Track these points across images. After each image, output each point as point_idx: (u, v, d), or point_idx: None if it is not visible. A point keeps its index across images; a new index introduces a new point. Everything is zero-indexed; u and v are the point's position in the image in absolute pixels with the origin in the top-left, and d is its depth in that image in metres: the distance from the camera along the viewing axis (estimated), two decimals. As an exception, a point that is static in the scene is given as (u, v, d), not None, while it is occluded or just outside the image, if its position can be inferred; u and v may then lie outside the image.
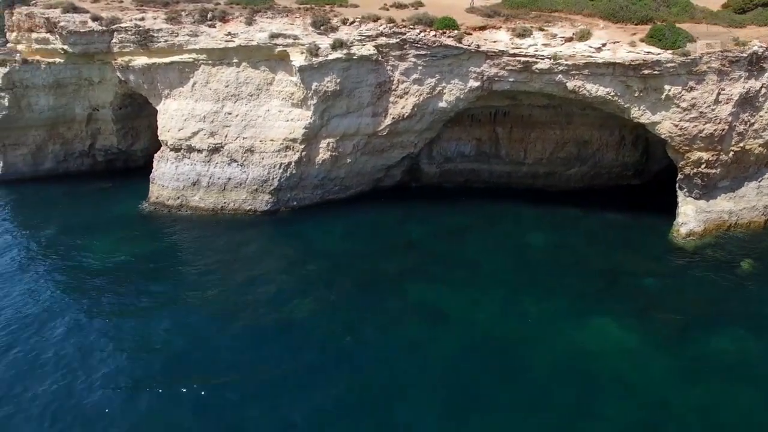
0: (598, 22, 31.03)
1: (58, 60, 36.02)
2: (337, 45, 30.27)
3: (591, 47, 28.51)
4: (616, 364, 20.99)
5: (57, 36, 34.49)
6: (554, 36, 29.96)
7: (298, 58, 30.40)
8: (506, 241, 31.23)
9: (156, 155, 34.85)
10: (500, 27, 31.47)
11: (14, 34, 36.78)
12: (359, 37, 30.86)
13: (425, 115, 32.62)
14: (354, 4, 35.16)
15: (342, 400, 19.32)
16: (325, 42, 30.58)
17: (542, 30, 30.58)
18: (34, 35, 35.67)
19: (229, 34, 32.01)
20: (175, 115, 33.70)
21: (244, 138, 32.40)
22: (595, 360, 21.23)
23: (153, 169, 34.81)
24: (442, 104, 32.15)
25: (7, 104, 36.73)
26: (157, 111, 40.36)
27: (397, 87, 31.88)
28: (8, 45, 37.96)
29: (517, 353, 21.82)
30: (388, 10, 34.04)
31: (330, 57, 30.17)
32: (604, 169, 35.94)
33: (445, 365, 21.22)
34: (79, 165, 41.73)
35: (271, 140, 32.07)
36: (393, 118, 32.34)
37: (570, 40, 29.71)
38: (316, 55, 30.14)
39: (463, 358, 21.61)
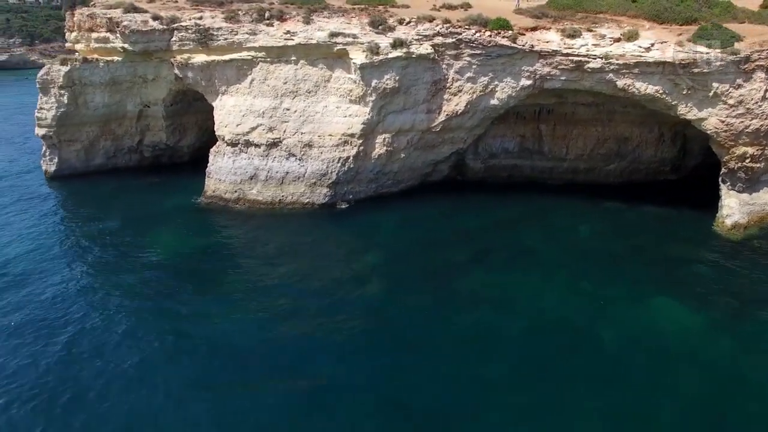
0: (643, 23, 32.52)
1: (116, 58, 37.08)
2: (398, 44, 31.58)
3: (640, 47, 30.02)
4: (684, 341, 22.52)
5: (118, 35, 35.55)
6: (603, 36, 31.46)
7: (358, 56, 31.68)
8: (557, 231, 32.74)
9: (212, 150, 35.96)
10: (550, 28, 32.94)
11: (74, 34, 37.81)
12: (417, 37, 32.20)
13: (477, 112, 34.00)
14: (405, 5, 36.53)
15: (432, 380, 20.59)
16: (384, 41, 31.87)
17: (590, 31, 32.08)
18: (94, 35, 36.73)
19: (288, 32, 33.24)
20: (232, 110, 34.87)
21: (302, 133, 33.62)
22: (662, 338, 22.75)
23: (209, 164, 35.92)
24: (494, 102, 33.55)
25: (66, 101, 37.72)
26: (205, 108, 41.75)
27: (452, 85, 33.26)
28: (67, 44, 38.90)
29: (588, 332, 23.31)
30: (439, 10, 35.40)
31: (390, 55, 31.47)
32: (643, 165, 37.48)
33: (520, 344, 22.67)
34: (127, 161, 42.79)
35: (330, 135, 33.31)
36: (447, 114, 33.69)
37: (618, 40, 31.21)
38: (377, 54, 31.43)
39: (536, 337, 23.07)
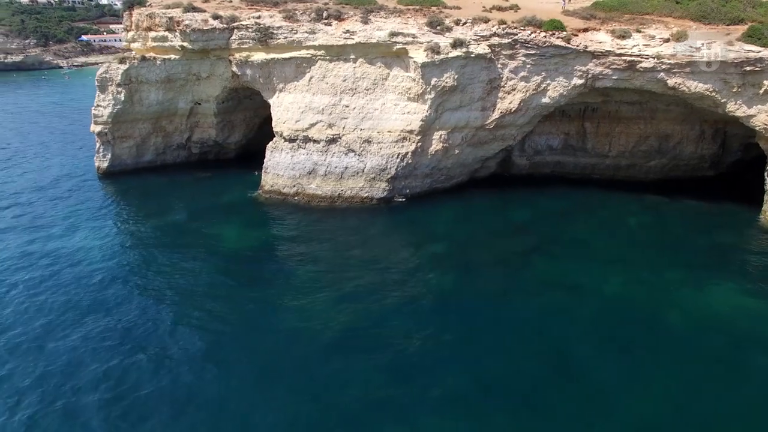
0: (689, 24, 33.85)
1: (173, 56, 38.00)
2: (457, 44, 32.75)
3: (691, 47, 31.31)
4: (749, 322, 23.81)
5: (177, 34, 36.50)
6: (652, 37, 32.74)
7: (419, 55, 32.80)
8: (606, 222, 34.08)
9: (268, 145, 36.93)
10: (599, 29, 34.20)
11: (131, 33, 38.71)
12: (475, 37, 33.38)
13: (529, 110, 35.20)
14: (456, 6, 37.70)
15: (523, 357, 21.77)
16: (443, 41, 33.02)
17: (639, 32, 33.34)
18: (152, 34, 37.65)
19: (348, 31, 34.31)
20: (290, 107, 35.88)
21: (361, 129, 34.68)
22: (727, 320, 24.09)
23: (265, 159, 36.91)
24: (545, 100, 34.77)
25: (123, 99, 38.61)
26: (253, 105, 42.99)
27: (506, 83, 34.46)
28: (123, 43, 39.72)
29: (656, 314, 24.64)
30: (490, 11, 36.58)
31: (450, 55, 32.63)
32: (683, 162, 38.82)
33: (596, 324, 24.04)
34: (175, 157, 43.69)
35: (389, 131, 34.39)
36: (501, 112, 34.88)
37: (667, 41, 32.49)
38: (438, 53, 32.57)
39: (610, 318, 24.41)
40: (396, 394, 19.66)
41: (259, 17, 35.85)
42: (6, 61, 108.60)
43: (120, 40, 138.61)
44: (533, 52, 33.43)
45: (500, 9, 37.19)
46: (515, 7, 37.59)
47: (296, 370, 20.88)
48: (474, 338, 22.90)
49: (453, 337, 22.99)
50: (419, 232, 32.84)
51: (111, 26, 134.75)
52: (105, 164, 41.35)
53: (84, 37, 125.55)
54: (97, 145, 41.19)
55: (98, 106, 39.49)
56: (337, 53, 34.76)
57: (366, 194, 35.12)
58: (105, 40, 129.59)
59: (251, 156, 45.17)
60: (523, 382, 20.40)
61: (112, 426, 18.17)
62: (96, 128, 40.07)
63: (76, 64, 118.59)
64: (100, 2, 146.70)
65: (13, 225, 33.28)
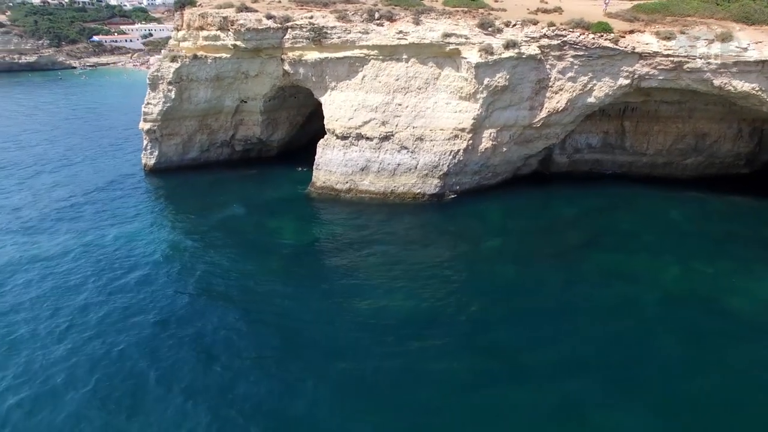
0: (732, 25, 34.98)
1: (223, 55, 38.74)
2: (510, 45, 33.77)
3: (738, 47, 32.48)
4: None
5: (230, 33, 37.28)
6: (697, 38, 33.86)
7: (473, 56, 33.78)
8: (650, 216, 35.19)
9: (320, 143, 37.74)
10: (644, 30, 35.32)
11: (181, 32, 39.43)
12: (525, 39, 34.41)
13: (575, 109, 36.24)
14: (501, 8, 38.76)
15: (598, 341, 22.76)
16: (496, 42, 34.03)
17: (683, 33, 34.47)
18: (203, 33, 38.39)
19: (401, 32, 35.25)
20: (343, 105, 36.75)
21: (414, 127, 35.58)
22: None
23: (316, 156, 37.73)
24: (591, 100, 35.82)
25: (173, 96, 39.35)
26: (297, 104, 43.92)
27: (554, 83, 35.49)
28: (171, 42, 40.40)
29: (717, 300, 25.91)
30: (536, 13, 37.67)
31: (503, 55, 33.63)
32: (719, 159, 40.00)
33: (661, 310, 25.21)
34: (219, 154, 44.41)
35: (441, 129, 35.32)
36: (548, 111, 35.89)
37: (712, 41, 33.64)
38: (491, 54, 33.56)
39: (673, 305, 25.58)
40: (490, 372, 20.76)
41: (311, 17, 36.73)
42: (20, 61, 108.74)
43: (130, 41, 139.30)
44: (581, 53, 34.50)
45: (545, 11, 38.28)
46: (559, 10, 38.70)
47: (381, 360, 21.65)
48: (549, 324, 23.91)
49: (530, 323, 24.02)
50: (474, 227, 33.77)
51: (121, 27, 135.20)
52: (152, 161, 42.02)
53: (95, 38, 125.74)
54: (145, 142, 41.87)
55: (148, 103, 40.21)
56: (389, 53, 35.69)
57: (418, 190, 36.02)
58: (116, 41, 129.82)
59: (292, 154, 46.25)
60: (606, 363, 21.46)
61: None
62: (145, 125, 40.76)
63: (88, 64, 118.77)
64: (110, 3, 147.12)
65: (80, 221, 33.99)
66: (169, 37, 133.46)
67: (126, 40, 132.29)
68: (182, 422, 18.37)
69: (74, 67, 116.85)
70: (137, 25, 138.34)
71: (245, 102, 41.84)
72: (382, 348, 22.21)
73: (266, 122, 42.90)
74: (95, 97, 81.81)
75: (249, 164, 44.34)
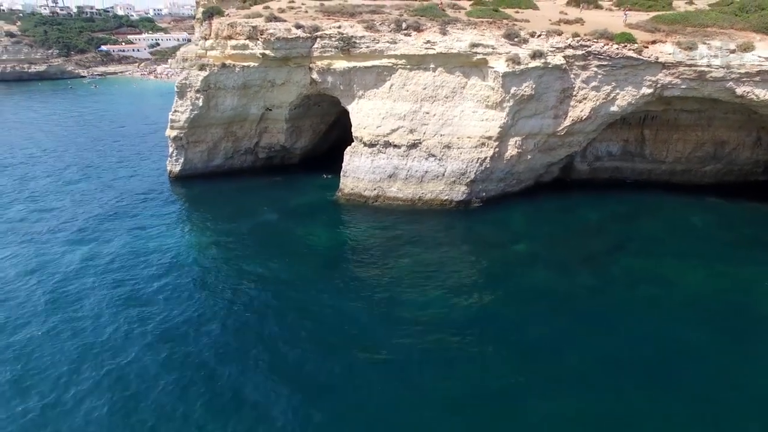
0: (753, 36, 35.82)
1: (251, 64, 39.34)
2: (537, 55, 34.49)
3: (760, 57, 33.31)
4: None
5: (259, 42, 37.93)
6: (719, 48, 34.69)
7: (500, 65, 34.48)
8: (672, 222, 35.87)
9: (347, 150, 38.30)
10: (665, 41, 36.13)
11: (209, 41, 40.05)
12: (551, 49, 35.17)
13: (597, 117, 36.95)
14: (525, 19, 39.57)
15: (629, 342, 23.22)
16: (522, 52, 34.74)
17: (704, 43, 35.29)
18: (231, 42, 39.02)
19: (428, 42, 35.96)
20: (370, 113, 37.36)
21: (441, 135, 36.18)
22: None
23: (344, 163, 38.26)
24: (614, 108, 36.54)
25: (200, 104, 39.91)
26: (321, 112, 44.55)
27: (578, 93, 36.21)
28: (198, 51, 41.00)
29: (746, 302, 26.35)
30: (558, 24, 38.44)
31: (530, 65, 34.34)
32: (737, 167, 40.75)
33: (694, 311, 25.75)
34: (242, 162, 44.92)
35: (468, 137, 35.93)
36: (572, 120, 36.59)
37: (734, 51, 34.49)
38: (518, 63, 34.26)
39: (699, 305, 26.24)
40: (532, 371, 21.20)
41: (340, 27, 37.44)
42: (30, 70, 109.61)
43: (138, 50, 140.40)
44: (605, 63, 35.25)
45: (567, 22, 39.09)
46: (580, 21, 39.52)
47: (423, 361, 22.07)
48: (584, 324, 24.42)
49: (565, 324, 24.51)
50: (502, 232, 34.27)
51: (129, 36, 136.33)
52: (177, 168, 42.51)
53: (103, 47, 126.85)
54: (171, 149, 42.36)
55: (176, 111, 40.78)
56: (417, 62, 36.38)
57: (446, 197, 36.56)
58: (123, 50, 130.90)
59: (314, 161, 46.82)
60: (644, 361, 21.96)
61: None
62: (172, 132, 41.29)
63: (96, 73, 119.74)
64: (118, 13, 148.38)
65: (111, 228, 34.38)
66: (176, 47, 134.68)
67: (133, 50, 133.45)
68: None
69: (83, 77, 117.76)
70: (144, 35, 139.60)
71: (270, 110, 42.42)
72: (424, 347, 22.62)
73: (290, 130, 43.46)
74: (108, 106, 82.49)
75: (272, 171, 44.86)
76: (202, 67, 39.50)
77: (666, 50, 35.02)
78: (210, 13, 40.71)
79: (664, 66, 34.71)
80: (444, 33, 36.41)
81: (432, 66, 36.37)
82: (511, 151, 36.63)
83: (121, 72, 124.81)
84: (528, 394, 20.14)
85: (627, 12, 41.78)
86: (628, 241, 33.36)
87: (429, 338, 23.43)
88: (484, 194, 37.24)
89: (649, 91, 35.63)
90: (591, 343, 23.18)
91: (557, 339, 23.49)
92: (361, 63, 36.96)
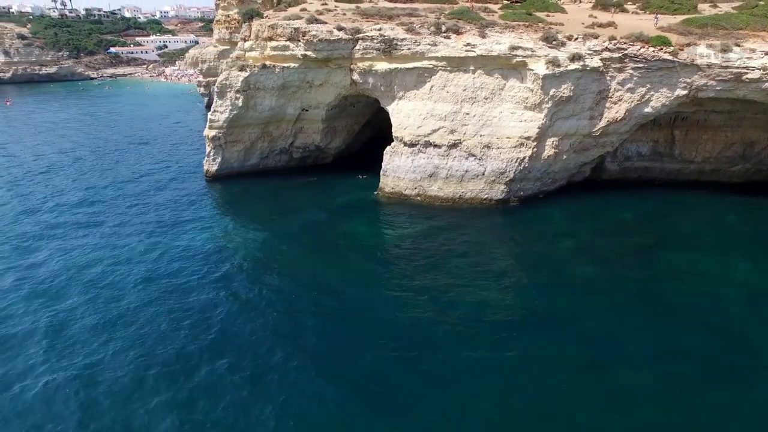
0: (784, 40, 36.94)
1: (291, 65, 39.97)
2: (575, 58, 35.35)
3: (793, 60, 34.36)
4: None
5: (300, 43, 38.60)
6: (753, 50, 35.67)
7: (540, 68, 35.30)
8: (708, 220, 36.79)
9: (387, 150, 39.00)
10: (698, 43, 37.07)
11: (248, 42, 40.65)
12: (589, 52, 36.05)
13: (632, 119, 37.84)
14: (559, 23, 40.48)
15: (687, 333, 23.99)
16: (561, 55, 35.60)
17: (738, 45, 36.27)
18: (272, 43, 39.66)
19: (468, 44, 36.76)
20: (411, 114, 38.09)
21: (481, 135, 36.96)
22: None
23: (384, 163, 38.98)
24: (648, 110, 37.46)
25: (240, 104, 40.50)
26: (356, 113, 45.17)
27: (613, 94, 37.09)
28: (237, 53, 41.62)
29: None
30: (592, 28, 39.39)
31: (569, 68, 35.19)
32: (766, 166, 41.73)
33: (743, 305, 26.48)
34: (276, 162, 45.53)
35: (507, 137, 36.72)
36: (607, 120, 37.46)
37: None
38: (557, 66, 35.11)
39: (747, 299, 26.98)
40: (591, 359, 21.94)
41: (380, 29, 38.19)
42: (41, 72, 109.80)
43: (146, 52, 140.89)
44: (641, 65, 36.18)
45: (600, 26, 40.04)
46: (613, 24, 40.48)
47: (480, 358, 22.80)
48: (637, 317, 25.24)
49: (619, 316, 25.31)
50: (544, 229, 35.04)
51: (137, 38, 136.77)
52: (214, 168, 43.07)
53: (112, 49, 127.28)
54: (208, 149, 42.91)
55: (215, 111, 41.36)
56: (457, 64, 37.17)
57: (486, 196, 37.33)
58: (132, 52, 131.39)
59: (346, 161, 47.49)
60: (699, 350, 22.74)
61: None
62: (210, 132, 41.85)
63: (106, 74, 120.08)
64: (125, 15, 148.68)
65: (156, 227, 35.01)
66: (184, 49, 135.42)
67: (141, 52, 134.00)
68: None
69: (92, 78, 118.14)
70: (152, 37, 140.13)
71: (306, 110, 43.05)
72: (484, 341, 23.25)
73: (325, 130, 44.12)
74: (125, 108, 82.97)
75: (306, 171, 45.53)
76: (242, 68, 40.10)
77: (701, 52, 35.96)
78: (250, 15, 41.35)
79: (699, 68, 35.65)
80: (483, 36, 37.26)
81: (471, 68, 37.18)
82: (548, 151, 37.45)
83: (130, 74, 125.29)
84: (586, 379, 20.88)
85: (658, 15, 42.78)
86: (667, 237, 34.26)
87: (486, 328, 24.12)
88: (521, 193, 38.05)
89: (684, 92, 36.56)
90: (644, 333, 23.92)
91: (612, 330, 24.16)
92: (402, 64, 37.73)
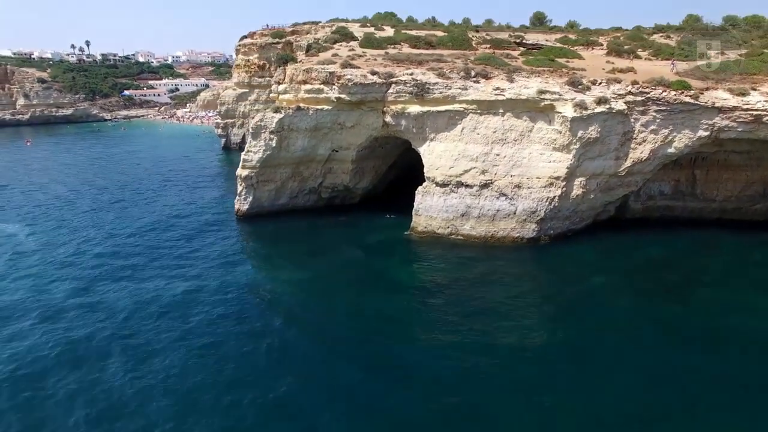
0: (798, 85, 38.68)
1: (324, 107, 41.43)
2: (602, 101, 36.88)
3: (811, 104, 35.92)
4: None
5: (334, 87, 40.16)
6: (769, 95, 37.43)
7: (568, 111, 36.75)
8: (737, 257, 37.29)
9: (418, 189, 39.95)
10: (717, 87, 38.84)
11: (283, 85, 42.26)
12: (613, 95, 37.64)
13: (655, 159, 39.11)
14: (580, 68, 42.32)
15: (744, 365, 24.23)
16: (588, 98, 37.16)
17: (755, 89, 38.02)
18: (306, 86, 41.24)
19: (498, 88, 38.34)
20: (443, 155, 39.26)
21: (512, 175, 38.03)
22: None
23: (416, 202, 39.86)
24: (671, 150, 38.77)
25: (274, 145, 41.70)
26: (384, 154, 46.25)
27: (637, 136, 38.47)
28: (271, 95, 43.17)
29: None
30: (613, 73, 41.20)
31: (596, 110, 36.66)
32: (787, 205, 42.83)
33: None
34: (305, 201, 46.39)
35: (537, 177, 37.79)
36: (632, 161, 38.68)
37: (783, 98, 37.16)
38: (585, 109, 36.59)
39: None
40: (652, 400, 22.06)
41: (412, 74, 39.85)
42: (57, 114, 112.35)
43: (158, 95, 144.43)
44: (663, 108, 37.71)
45: (621, 71, 41.86)
46: (632, 70, 42.33)
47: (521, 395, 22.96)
48: (689, 354, 25.36)
49: (665, 351, 25.45)
50: (576, 266, 35.59)
51: (150, 82, 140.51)
52: (245, 207, 43.86)
53: (126, 92, 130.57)
54: (240, 188, 43.82)
55: (249, 151, 42.51)
56: (487, 107, 38.63)
57: (517, 234, 38.06)
58: (145, 95, 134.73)
59: (372, 201, 48.35)
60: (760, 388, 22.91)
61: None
62: (244, 172, 42.87)
63: (119, 116, 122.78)
64: (139, 60, 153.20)
65: (189, 267, 35.54)
66: (195, 92, 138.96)
67: (154, 95, 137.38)
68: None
69: (107, 120, 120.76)
70: (164, 81, 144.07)
71: (337, 151, 44.25)
72: (527, 381, 23.36)
73: (354, 171, 45.21)
74: (145, 148, 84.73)
75: (334, 211, 46.33)
76: (277, 110, 41.50)
77: (721, 96, 37.59)
78: (284, 60, 43.20)
79: (721, 110, 37.18)
80: (511, 80, 38.92)
81: (501, 111, 38.63)
82: (577, 190, 38.46)
83: (143, 115, 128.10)
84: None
85: (674, 62, 44.81)
86: (699, 274, 34.79)
87: (533, 366, 24.31)
88: (551, 231, 38.80)
89: (706, 133, 37.96)
90: (699, 368, 24.08)
91: (662, 366, 24.32)
92: (434, 107, 39.20)
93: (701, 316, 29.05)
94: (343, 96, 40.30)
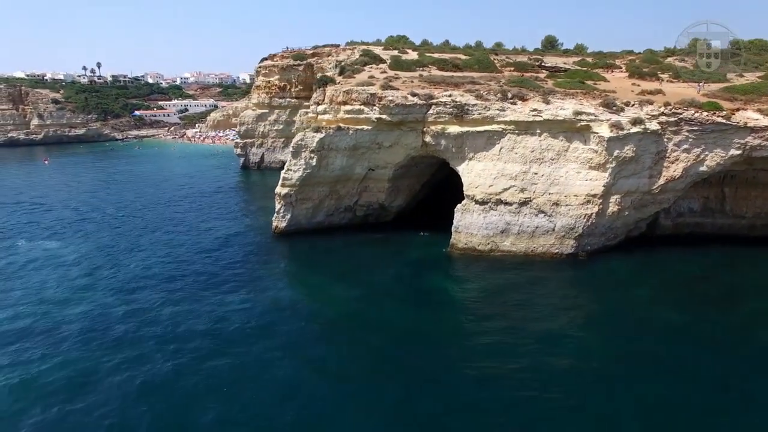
0: (821, 106, 40.18)
1: (364, 127, 42.45)
2: (637, 122, 38.15)
3: (838, 124, 37.34)
4: None
5: (375, 107, 41.26)
6: (797, 115, 38.84)
7: (604, 131, 37.95)
8: (769, 273, 38.27)
9: (458, 207, 40.82)
10: (746, 108, 40.28)
11: (322, 106, 43.33)
12: (647, 116, 38.94)
13: (688, 177, 40.27)
14: (611, 90, 43.73)
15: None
16: (623, 119, 38.42)
17: (783, 110, 39.52)
18: (345, 107, 42.32)
19: (535, 110, 39.57)
20: (482, 173, 40.25)
21: (550, 193, 39.03)
22: None
23: (455, 220, 40.73)
24: (703, 168, 39.96)
25: (314, 164, 42.58)
26: (418, 173, 47.20)
27: (670, 155, 39.68)
28: (309, 115, 44.20)
29: None
30: (643, 95, 42.61)
31: (632, 131, 37.90)
32: (814, 222, 43.98)
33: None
34: (341, 219, 47.12)
35: (575, 195, 38.80)
36: (666, 179, 39.82)
37: (812, 117, 38.58)
38: (621, 129, 37.81)
39: None
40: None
41: (451, 95, 41.07)
42: (70, 134, 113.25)
43: (168, 115, 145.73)
44: (696, 128, 39.00)
45: (650, 93, 43.31)
46: (661, 92, 43.79)
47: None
48: (740, 363, 26.06)
49: (719, 362, 26.07)
50: (617, 280, 36.38)
51: (160, 102, 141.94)
52: (283, 224, 44.51)
53: (137, 112, 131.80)
54: (278, 206, 44.53)
55: (289, 170, 43.35)
56: (524, 128, 39.80)
57: (556, 250, 38.90)
58: (155, 115, 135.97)
59: (405, 219, 49.10)
60: None
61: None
62: (282, 190, 43.64)
63: (130, 136, 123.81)
64: (149, 81, 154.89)
65: (233, 285, 36.02)
66: (203, 112, 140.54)
67: (164, 115, 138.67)
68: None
69: (118, 139, 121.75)
70: (174, 101, 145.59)
71: (373, 170, 45.17)
72: (584, 393, 23.91)
73: (390, 189, 46.10)
74: (162, 168, 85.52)
75: (370, 229, 47.00)
76: (317, 130, 42.50)
77: (751, 116, 38.98)
78: (324, 82, 44.35)
79: (753, 130, 38.55)
80: (547, 102, 40.18)
81: (538, 131, 39.81)
82: (612, 207, 39.46)
83: (153, 135, 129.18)
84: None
85: (701, 84, 46.36)
86: (739, 287, 35.67)
87: (588, 377, 24.83)
88: (589, 247, 39.67)
89: (738, 152, 39.20)
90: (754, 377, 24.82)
91: (718, 375, 25.04)
92: (473, 128, 40.33)
93: (749, 328, 29.58)
94: (383, 116, 41.40)
